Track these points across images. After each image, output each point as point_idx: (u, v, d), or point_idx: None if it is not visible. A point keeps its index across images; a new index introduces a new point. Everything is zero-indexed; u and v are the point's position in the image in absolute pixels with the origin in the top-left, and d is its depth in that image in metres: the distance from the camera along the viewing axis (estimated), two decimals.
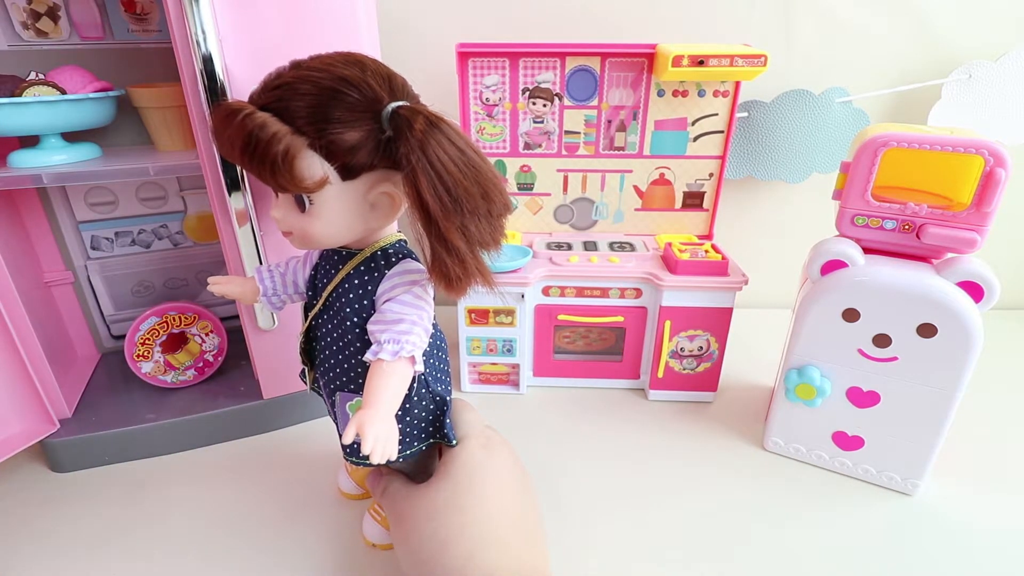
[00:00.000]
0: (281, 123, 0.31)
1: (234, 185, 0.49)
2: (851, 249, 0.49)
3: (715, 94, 0.66)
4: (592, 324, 0.66)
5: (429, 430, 0.42)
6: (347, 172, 0.33)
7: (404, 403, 0.40)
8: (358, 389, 0.40)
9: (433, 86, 0.77)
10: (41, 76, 0.52)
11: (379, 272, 0.38)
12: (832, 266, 0.50)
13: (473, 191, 0.31)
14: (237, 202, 0.50)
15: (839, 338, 0.51)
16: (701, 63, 0.59)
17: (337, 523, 0.50)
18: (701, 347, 0.65)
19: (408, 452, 0.42)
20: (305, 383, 0.47)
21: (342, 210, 0.35)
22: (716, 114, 0.67)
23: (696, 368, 0.66)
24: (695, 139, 0.68)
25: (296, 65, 0.33)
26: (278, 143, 0.30)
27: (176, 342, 0.63)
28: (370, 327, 0.37)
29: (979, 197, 0.45)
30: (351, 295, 0.39)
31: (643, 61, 0.65)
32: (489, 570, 0.35)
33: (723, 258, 0.62)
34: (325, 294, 0.40)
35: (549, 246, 0.69)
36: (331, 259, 0.40)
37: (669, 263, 0.63)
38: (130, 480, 0.56)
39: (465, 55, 0.65)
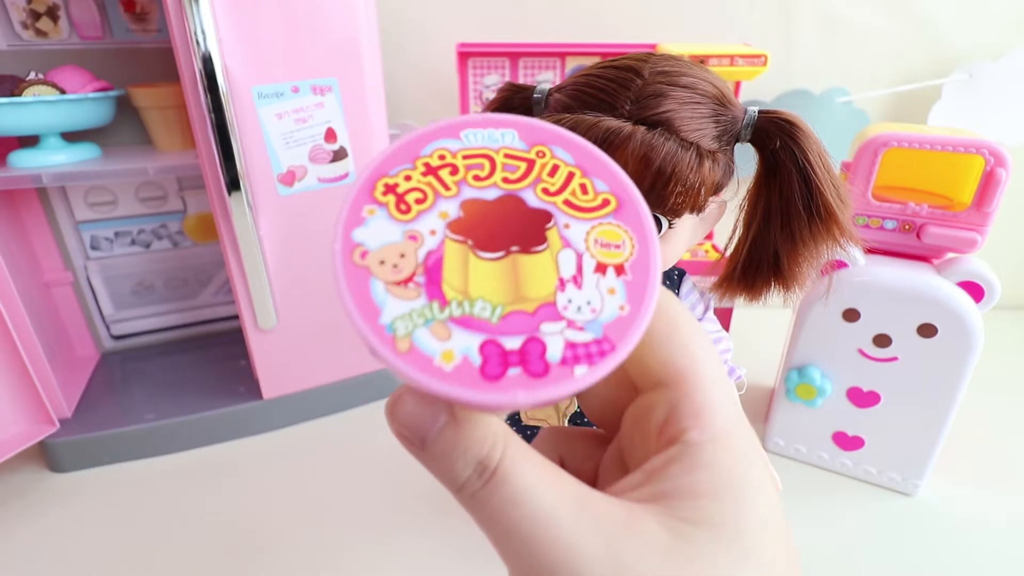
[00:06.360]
0: (698, 151, 0.27)
1: (234, 185, 0.49)
2: (851, 249, 0.49)
3: None
4: None
5: None
6: (718, 186, 0.30)
7: None
8: None
9: (433, 86, 0.78)
10: (41, 76, 0.52)
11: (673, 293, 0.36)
12: (832, 266, 0.50)
13: (835, 194, 0.29)
14: (237, 202, 0.50)
15: (839, 338, 0.50)
16: (701, 63, 0.59)
17: (348, 527, 0.50)
18: None
19: None
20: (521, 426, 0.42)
21: (690, 227, 0.32)
22: None
23: None
24: None
25: (657, 72, 0.29)
26: (701, 178, 0.27)
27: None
28: None
29: (979, 197, 0.45)
30: None
31: None
32: None
33: (723, 257, 0.62)
34: None
35: None
36: None
37: None
38: (130, 480, 0.56)
39: (465, 55, 0.65)
